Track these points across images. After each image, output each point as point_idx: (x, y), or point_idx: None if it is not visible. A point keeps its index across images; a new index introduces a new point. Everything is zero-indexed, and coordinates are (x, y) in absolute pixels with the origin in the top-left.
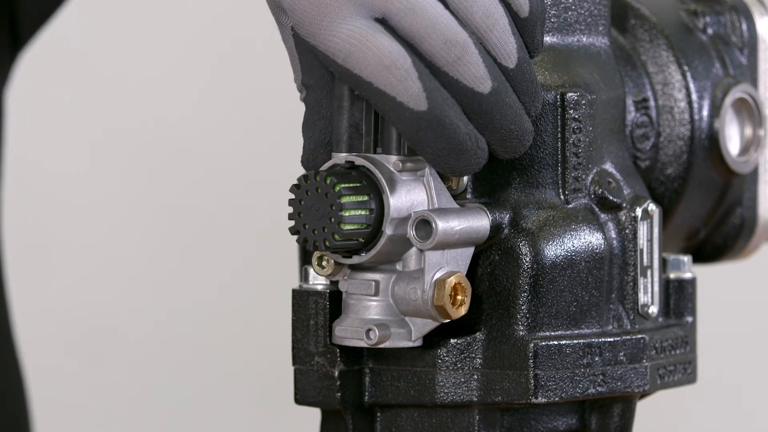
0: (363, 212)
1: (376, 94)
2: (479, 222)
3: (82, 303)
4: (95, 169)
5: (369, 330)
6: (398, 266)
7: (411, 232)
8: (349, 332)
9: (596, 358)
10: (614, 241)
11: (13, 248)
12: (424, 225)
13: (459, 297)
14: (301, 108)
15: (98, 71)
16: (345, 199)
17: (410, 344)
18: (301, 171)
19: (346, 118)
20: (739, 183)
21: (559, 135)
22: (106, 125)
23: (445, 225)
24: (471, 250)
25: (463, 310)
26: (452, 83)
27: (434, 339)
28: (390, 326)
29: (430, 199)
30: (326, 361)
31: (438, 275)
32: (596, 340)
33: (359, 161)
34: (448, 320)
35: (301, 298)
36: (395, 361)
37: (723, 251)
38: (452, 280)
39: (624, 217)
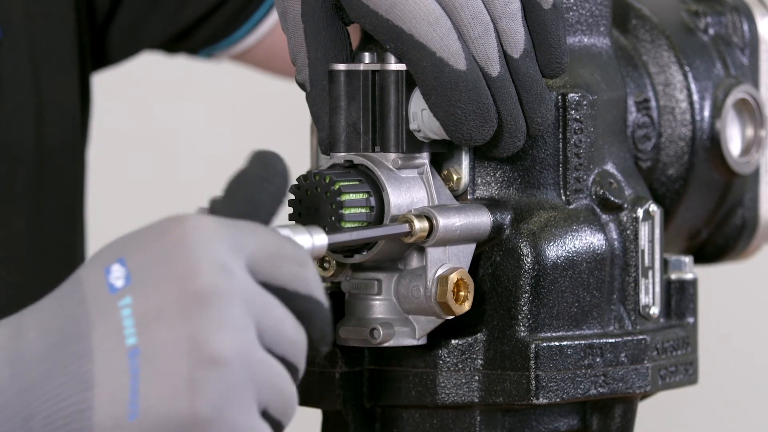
0: (363, 210)
1: (415, 47)
2: (480, 218)
3: None
4: (96, 168)
5: (373, 329)
6: (400, 264)
7: None
8: (353, 332)
9: (597, 359)
10: (615, 242)
11: None
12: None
13: (462, 293)
14: (299, 109)
15: (100, 75)
16: (345, 197)
17: (414, 342)
18: (301, 172)
19: (343, 117)
20: (741, 183)
21: (561, 135)
22: (106, 125)
23: (446, 221)
24: (473, 247)
25: (466, 306)
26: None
27: (435, 340)
28: (394, 325)
29: (430, 196)
30: (327, 363)
31: (440, 272)
32: (597, 340)
33: (358, 160)
34: (451, 316)
35: None
36: (396, 362)
37: (724, 252)
38: (454, 276)
39: (625, 218)
